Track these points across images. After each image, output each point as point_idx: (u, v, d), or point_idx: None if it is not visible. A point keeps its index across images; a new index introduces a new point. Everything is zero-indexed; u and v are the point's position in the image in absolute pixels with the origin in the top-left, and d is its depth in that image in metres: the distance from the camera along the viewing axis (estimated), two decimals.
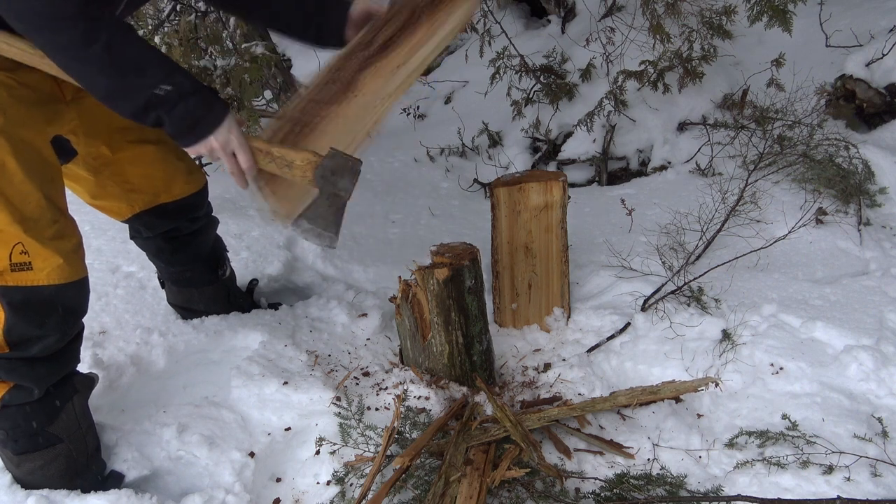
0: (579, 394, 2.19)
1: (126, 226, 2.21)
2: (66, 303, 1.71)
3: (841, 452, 1.84)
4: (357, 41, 1.80)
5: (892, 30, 3.46)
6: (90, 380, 1.97)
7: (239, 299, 2.52)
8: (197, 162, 2.32)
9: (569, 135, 3.93)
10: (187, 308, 2.44)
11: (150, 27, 4.01)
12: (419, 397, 2.09)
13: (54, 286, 1.65)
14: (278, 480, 1.97)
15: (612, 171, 3.87)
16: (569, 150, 3.89)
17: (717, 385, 2.10)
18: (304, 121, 1.77)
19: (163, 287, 2.47)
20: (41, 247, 1.61)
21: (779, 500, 1.70)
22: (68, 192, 2.10)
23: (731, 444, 1.96)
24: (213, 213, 2.32)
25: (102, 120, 1.87)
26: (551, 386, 2.23)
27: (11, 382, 1.71)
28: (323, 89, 1.80)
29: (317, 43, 1.91)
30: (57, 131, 1.75)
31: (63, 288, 1.67)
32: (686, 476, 1.86)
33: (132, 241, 2.31)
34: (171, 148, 2.04)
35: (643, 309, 2.43)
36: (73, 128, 1.83)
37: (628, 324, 2.40)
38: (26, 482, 1.82)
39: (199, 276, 2.36)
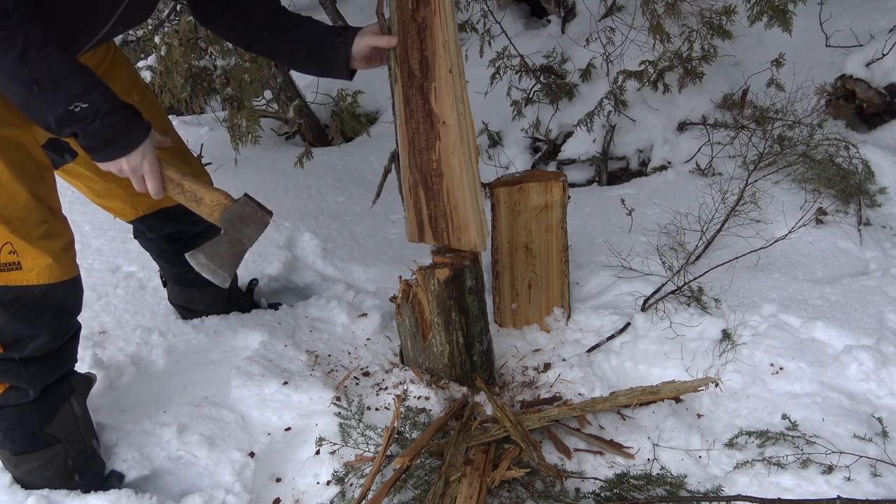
0: (579, 394, 2.19)
1: (126, 225, 2.22)
2: (58, 302, 1.71)
3: (841, 452, 1.84)
4: (400, 85, 1.81)
5: (892, 30, 3.46)
6: (88, 380, 1.97)
7: (239, 299, 2.53)
8: (200, 165, 2.32)
9: (569, 135, 3.92)
10: (188, 308, 2.44)
11: (150, 27, 4.01)
12: (419, 397, 2.09)
13: (44, 286, 1.65)
14: (278, 480, 1.97)
15: (612, 171, 3.87)
16: (569, 150, 3.88)
17: (717, 385, 2.10)
18: (429, 173, 1.83)
19: (164, 286, 2.48)
20: (30, 246, 1.61)
21: (779, 500, 1.69)
22: (73, 191, 2.10)
23: (731, 444, 1.96)
24: None
25: None
26: (551, 386, 2.23)
27: (7, 384, 1.71)
28: (414, 140, 1.84)
29: (321, 76, 1.97)
30: (51, 134, 1.75)
31: (53, 287, 1.67)
32: (686, 476, 1.86)
33: (132, 242, 2.31)
34: (175, 152, 2.04)
35: (643, 309, 2.43)
36: None
37: (628, 324, 2.40)
38: (25, 482, 1.82)
39: (201, 276, 2.35)
